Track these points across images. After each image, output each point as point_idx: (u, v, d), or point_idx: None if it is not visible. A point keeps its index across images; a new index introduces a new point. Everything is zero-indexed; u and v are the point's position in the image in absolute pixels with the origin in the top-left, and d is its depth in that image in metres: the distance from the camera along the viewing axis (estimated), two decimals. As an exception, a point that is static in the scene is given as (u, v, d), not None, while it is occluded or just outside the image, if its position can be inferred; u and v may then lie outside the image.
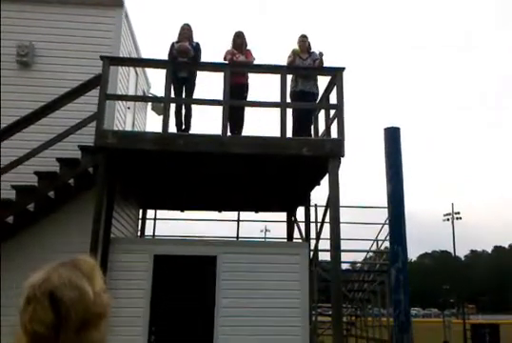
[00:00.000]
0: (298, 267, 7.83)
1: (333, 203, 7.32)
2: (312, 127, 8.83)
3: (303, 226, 10.25)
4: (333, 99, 7.91)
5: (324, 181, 8.33)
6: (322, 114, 8.47)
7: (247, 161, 7.75)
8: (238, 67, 8.40)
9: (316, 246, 9.60)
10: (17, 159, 7.05)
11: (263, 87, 9.31)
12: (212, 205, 11.48)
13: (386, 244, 14.35)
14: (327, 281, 10.53)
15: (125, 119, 9.26)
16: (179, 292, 7.68)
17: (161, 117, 7.68)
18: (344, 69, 7.71)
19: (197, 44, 8.27)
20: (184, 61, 8.03)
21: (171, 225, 13.97)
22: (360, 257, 18.18)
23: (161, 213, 13.25)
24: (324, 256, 10.74)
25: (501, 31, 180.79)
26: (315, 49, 8.92)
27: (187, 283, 7.73)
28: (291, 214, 11.30)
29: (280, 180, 9.07)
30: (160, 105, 9.54)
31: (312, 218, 11.17)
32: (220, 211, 12.13)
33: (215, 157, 7.53)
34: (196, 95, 8.37)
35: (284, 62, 8.52)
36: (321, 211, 10.11)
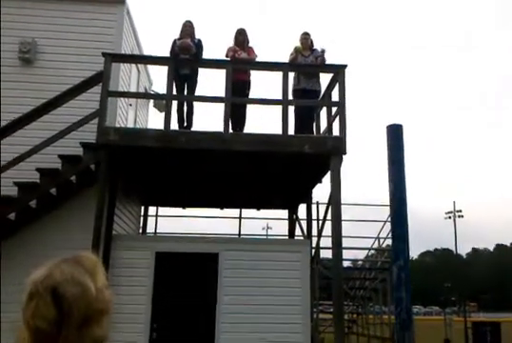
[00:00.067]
0: (299, 264, 7.83)
1: (335, 200, 7.31)
2: (314, 124, 8.82)
3: (304, 223, 10.26)
4: (335, 96, 7.90)
5: (326, 179, 8.34)
6: (324, 112, 8.46)
7: (249, 158, 7.74)
8: (240, 64, 8.39)
9: (317, 243, 9.60)
10: (19, 156, 7.05)
11: (265, 84, 9.30)
12: (214, 202, 11.49)
13: (388, 242, 14.39)
14: (329, 279, 10.55)
15: (127, 116, 9.26)
16: (181, 289, 7.69)
17: (163, 114, 7.67)
18: (346, 66, 7.69)
19: (199, 41, 8.26)
20: (186, 58, 8.02)
21: (173, 222, 14.00)
22: (361, 255, 18.22)
23: (163, 210, 13.28)
24: (326, 254, 10.76)
25: (501, 31, 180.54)
26: (317, 46, 8.91)
27: (188, 280, 7.74)
28: (293, 212, 11.30)
29: (282, 177, 9.06)
30: (162, 102, 9.53)
31: (314, 216, 11.19)
32: (222, 208, 12.14)
33: (217, 154, 7.52)
34: (198, 92, 8.37)
35: (286, 59, 8.50)
36: (322, 208, 10.13)
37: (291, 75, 8.27)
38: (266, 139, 7.34)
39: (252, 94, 8.57)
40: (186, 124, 8.25)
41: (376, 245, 15.20)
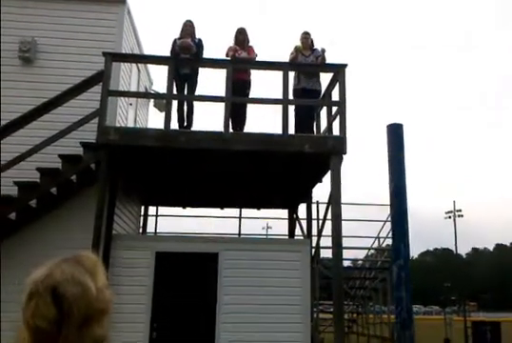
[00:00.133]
0: (299, 264, 7.83)
1: (335, 200, 7.31)
2: (314, 124, 8.82)
3: (304, 223, 10.25)
4: (335, 96, 7.90)
5: (326, 178, 8.33)
6: (324, 111, 8.46)
7: (249, 158, 7.74)
8: (240, 63, 8.38)
9: (317, 243, 9.60)
10: (19, 155, 7.05)
11: (265, 83, 9.30)
12: (214, 202, 11.49)
13: (388, 241, 14.40)
14: (329, 278, 10.54)
15: (127, 116, 9.26)
16: (181, 288, 7.69)
17: (163, 114, 7.67)
18: (346, 65, 7.69)
19: (199, 40, 8.26)
20: (186, 57, 8.02)
21: (173, 222, 14.00)
22: (361, 254, 18.21)
23: (163, 210, 13.28)
24: (326, 253, 10.77)
25: (501, 31, 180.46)
26: (317, 46, 8.90)
27: (188, 280, 7.74)
28: (293, 211, 11.30)
29: (282, 177, 9.06)
30: (162, 101, 9.54)
31: (314, 215, 11.19)
32: (222, 208, 12.14)
33: (217, 154, 7.52)
34: (198, 92, 8.36)
35: (286, 59, 8.50)
36: (322, 208, 10.12)
37: (291, 75, 8.27)
38: (267, 139, 7.34)
39: (252, 94, 8.58)
40: (186, 123, 8.25)
41: (376, 244, 15.21)
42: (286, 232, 11.54)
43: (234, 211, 13.19)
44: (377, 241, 15.11)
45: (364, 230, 15.30)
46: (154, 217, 13.08)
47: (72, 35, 8.42)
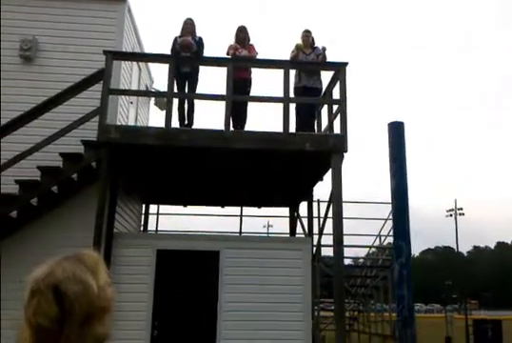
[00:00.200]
0: (301, 262, 7.83)
1: (336, 198, 7.31)
2: (315, 122, 8.81)
3: (305, 221, 10.26)
4: (336, 94, 7.89)
5: (327, 176, 8.33)
6: (325, 109, 8.46)
7: (250, 156, 7.74)
8: (241, 61, 8.38)
9: (319, 241, 9.61)
10: (20, 154, 7.06)
11: (265, 82, 9.29)
12: (215, 200, 11.49)
13: (389, 239, 14.38)
14: (330, 276, 10.55)
15: (128, 114, 9.26)
16: (182, 286, 7.70)
17: (164, 112, 7.67)
18: (347, 64, 7.68)
19: (200, 38, 8.25)
20: (186, 56, 8.01)
21: (174, 220, 14.00)
22: (362, 253, 18.22)
23: (164, 208, 13.28)
24: (327, 252, 10.76)
25: (501, 31, 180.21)
26: (318, 44, 8.89)
27: (189, 278, 7.75)
28: (294, 210, 11.30)
29: (283, 175, 9.06)
30: (163, 100, 9.53)
31: (315, 213, 11.19)
32: (223, 206, 12.14)
33: (218, 152, 7.52)
34: (199, 90, 8.36)
35: (286, 57, 8.49)
36: (323, 206, 10.11)
37: (292, 73, 8.26)
38: (267, 137, 7.33)
39: (253, 92, 8.57)
40: (186, 122, 8.25)
41: (377, 243, 15.21)
42: (287, 231, 11.54)
43: (235, 210, 13.20)
44: (378, 239, 15.11)
45: (365, 228, 15.28)
46: (155, 215, 13.09)
47: (73, 34, 8.41)
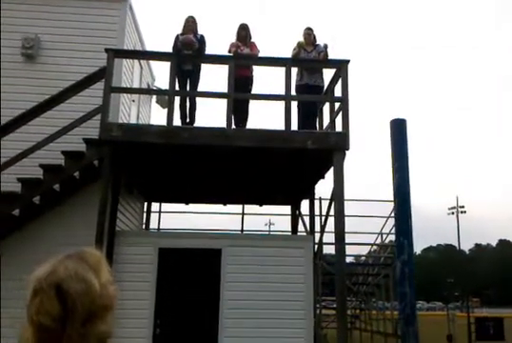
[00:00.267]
0: (302, 260, 7.83)
1: (338, 196, 7.30)
2: (317, 120, 8.80)
3: (307, 219, 10.25)
4: (338, 92, 7.87)
5: (329, 174, 8.32)
6: (326, 107, 8.44)
7: (252, 154, 7.74)
8: (242, 59, 8.36)
9: (320, 239, 9.60)
10: (22, 152, 7.06)
11: (267, 80, 9.28)
12: (217, 198, 11.49)
13: (391, 237, 14.39)
14: (332, 274, 10.55)
15: (129, 112, 9.26)
16: (184, 284, 7.70)
17: (165, 110, 7.66)
18: (348, 61, 7.66)
19: (201, 36, 8.24)
20: (188, 54, 8.00)
21: (176, 218, 14.01)
22: (364, 251, 18.22)
23: (166, 206, 13.29)
24: (329, 250, 10.75)
25: (501, 31, 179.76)
26: (320, 41, 8.87)
27: (191, 276, 7.75)
28: (296, 208, 11.29)
29: (284, 173, 9.05)
30: (164, 98, 9.52)
31: (317, 211, 11.18)
32: (224, 204, 12.14)
33: (219, 150, 7.52)
34: (201, 88, 8.35)
35: (288, 55, 8.47)
36: (325, 204, 10.10)
37: (294, 71, 8.25)
38: (269, 135, 7.33)
39: (255, 90, 8.56)
40: (188, 120, 8.25)
41: (379, 240, 15.21)
42: (289, 229, 11.54)
43: (237, 208, 13.20)
44: (380, 237, 15.10)
45: (366, 226, 15.29)
46: (157, 213, 13.10)
47: (75, 32, 8.41)
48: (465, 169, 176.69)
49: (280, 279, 7.71)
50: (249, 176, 9.20)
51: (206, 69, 8.38)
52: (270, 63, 8.02)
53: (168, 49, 8.11)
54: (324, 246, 10.30)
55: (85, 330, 1.14)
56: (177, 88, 7.86)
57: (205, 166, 8.47)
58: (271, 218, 21.88)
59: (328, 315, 15.17)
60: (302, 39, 8.82)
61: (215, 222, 14.28)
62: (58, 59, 8.32)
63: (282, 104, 7.51)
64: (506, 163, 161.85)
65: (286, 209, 11.95)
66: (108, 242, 7.34)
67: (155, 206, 12.61)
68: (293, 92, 7.97)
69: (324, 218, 9.80)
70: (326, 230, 9.40)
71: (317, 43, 8.83)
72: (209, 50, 8.25)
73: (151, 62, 10.89)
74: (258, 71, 8.67)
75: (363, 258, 18.75)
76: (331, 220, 7.84)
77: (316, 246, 9.07)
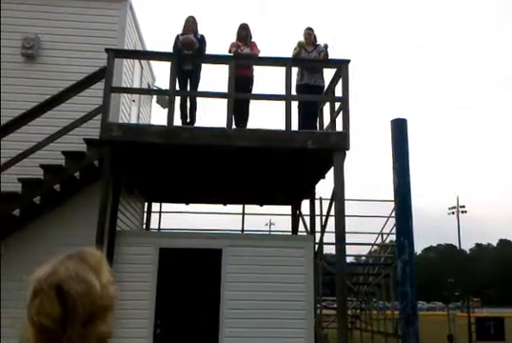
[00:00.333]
0: (303, 260, 7.83)
1: (338, 196, 7.30)
2: (317, 120, 8.79)
3: (307, 219, 10.25)
4: (338, 92, 7.87)
5: (330, 174, 8.32)
6: (327, 107, 8.44)
7: (252, 154, 7.73)
8: (243, 59, 8.36)
9: (321, 239, 9.60)
10: (23, 152, 7.06)
11: (268, 79, 9.28)
12: (217, 198, 11.49)
13: (391, 237, 14.38)
14: (332, 274, 10.55)
15: (130, 112, 9.26)
16: (184, 284, 7.70)
17: (166, 110, 7.66)
18: (349, 61, 7.66)
19: (202, 36, 8.24)
20: (188, 54, 8.00)
21: (176, 218, 14.01)
22: (365, 251, 18.20)
23: (166, 207, 13.29)
24: (329, 250, 10.74)
25: (501, 31, 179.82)
26: (320, 41, 8.87)
27: (192, 276, 7.75)
28: (296, 208, 11.29)
29: (285, 173, 9.05)
30: (165, 98, 9.52)
31: (317, 211, 11.18)
32: (225, 204, 12.14)
33: (220, 150, 7.52)
34: (201, 88, 8.35)
35: (288, 55, 8.47)
36: (326, 204, 10.10)
37: (294, 71, 8.25)
38: (269, 135, 7.32)
39: (255, 90, 8.55)
40: (189, 120, 8.25)
41: (379, 240, 15.20)
42: (290, 229, 11.54)
43: (237, 208, 13.20)
44: (380, 237, 15.09)
45: (367, 225, 15.28)
46: (158, 214, 13.09)
47: (75, 32, 8.41)
48: (466, 168, 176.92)
49: (280, 279, 7.71)
50: (250, 176, 9.20)
51: (206, 69, 8.38)
52: (271, 63, 8.02)
53: (169, 49, 8.11)
54: (325, 246, 10.29)
55: (85, 330, 1.14)
56: (177, 88, 7.86)
57: (205, 166, 8.47)
58: (272, 218, 21.89)
59: (329, 315, 15.17)
60: (302, 39, 8.81)
61: (215, 222, 14.28)
62: (58, 59, 8.32)
63: (282, 104, 7.51)
64: (507, 162, 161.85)
65: (287, 209, 11.95)
66: (108, 242, 7.34)
67: (156, 206, 12.62)
68: (293, 92, 7.97)
69: (324, 218, 9.80)
70: (327, 230, 9.39)
71: (317, 43, 8.83)
72: (210, 50, 8.27)
73: (152, 62, 10.89)
74: (258, 71, 8.68)
75: (363, 258, 18.74)
76: (332, 220, 7.84)
77: (316, 246, 9.06)
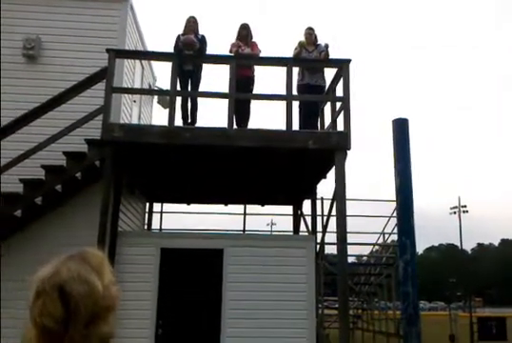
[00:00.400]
0: (304, 260, 7.82)
1: (339, 196, 7.29)
2: (318, 119, 8.79)
3: (309, 219, 10.24)
4: (339, 91, 7.86)
5: (331, 174, 8.31)
6: (328, 107, 8.43)
7: (253, 154, 7.73)
8: (244, 59, 8.36)
9: (322, 239, 9.60)
10: (24, 153, 7.06)
11: (268, 79, 9.27)
12: (218, 198, 11.49)
13: (393, 237, 14.37)
14: (334, 274, 10.54)
15: (131, 112, 9.26)
16: (186, 285, 7.70)
17: (167, 110, 7.66)
18: (350, 61, 7.65)
19: (203, 36, 8.24)
20: (189, 54, 8.00)
21: (178, 218, 14.01)
22: (366, 250, 18.18)
23: (167, 207, 13.30)
24: (331, 250, 10.75)
25: (501, 31, 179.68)
26: (321, 41, 8.86)
27: (193, 276, 7.75)
28: (297, 208, 11.29)
29: (286, 173, 9.05)
30: (166, 98, 9.52)
31: (318, 211, 11.17)
32: (226, 204, 12.14)
33: (221, 150, 7.52)
34: (202, 88, 8.35)
35: (289, 55, 8.46)
36: (327, 204, 10.12)
37: (295, 70, 8.24)
38: (270, 135, 7.32)
39: (256, 90, 8.55)
40: (190, 120, 8.25)
41: (381, 240, 15.19)
42: (291, 229, 11.54)
43: (239, 208, 13.20)
44: (382, 237, 15.08)
45: (368, 225, 15.27)
46: (159, 214, 13.10)
47: (76, 32, 8.42)
48: (467, 168, 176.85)
49: (282, 279, 7.71)
50: (251, 176, 9.19)
51: (207, 69, 8.38)
52: (272, 63, 8.02)
53: (170, 49, 8.12)
54: (326, 246, 10.30)
55: (87, 331, 1.14)
56: (178, 88, 7.86)
57: (206, 166, 8.47)
58: (273, 218, 21.88)
59: (330, 315, 15.17)
60: (303, 39, 8.81)
61: (217, 222, 14.29)
62: (59, 60, 8.32)
63: (283, 104, 7.51)
64: (508, 162, 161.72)
65: (288, 209, 11.96)
66: (110, 243, 7.34)
67: (157, 206, 12.62)
68: (294, 92, 7.97)
69: (325, 218, 9.81)
70: (328, 230, 9.40)
71: (318, 43, 8.82)
72: (210, 51, 8.26)
73: (153, 62, 10.90)
74: (259, 71, 8.68)
75: (365, 258, 18.73)
76: (333, 220, 7.84)
77: (318, 246, 9.06)
